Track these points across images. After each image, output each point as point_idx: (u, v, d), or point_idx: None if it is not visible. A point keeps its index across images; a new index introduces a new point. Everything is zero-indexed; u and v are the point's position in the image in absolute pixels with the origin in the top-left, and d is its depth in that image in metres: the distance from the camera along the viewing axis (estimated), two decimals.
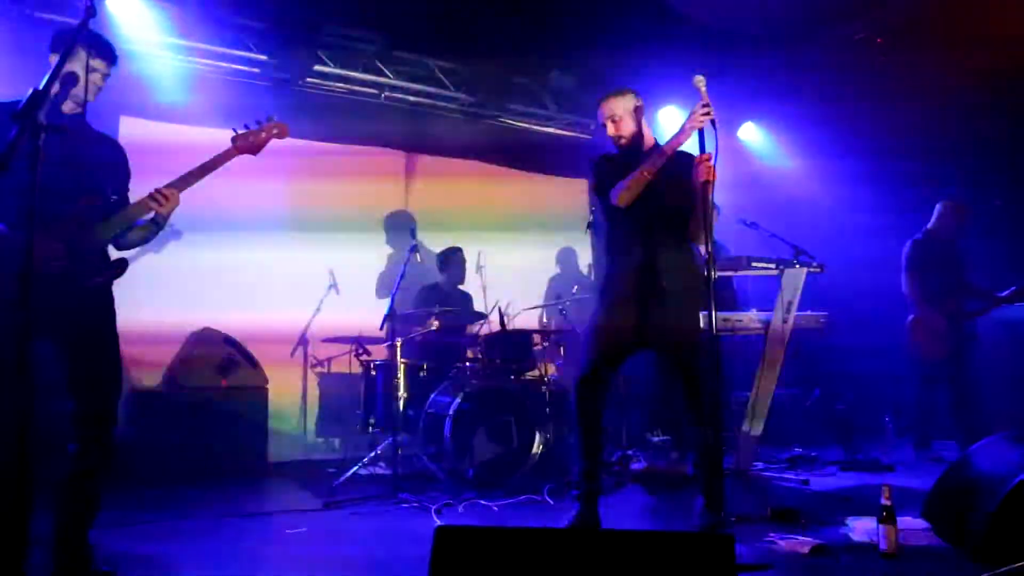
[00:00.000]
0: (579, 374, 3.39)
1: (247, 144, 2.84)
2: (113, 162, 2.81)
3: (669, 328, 3.28)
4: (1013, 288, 5.00)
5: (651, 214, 3.29)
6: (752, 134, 7.57)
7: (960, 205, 5.21)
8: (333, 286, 6.26)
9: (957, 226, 5.17)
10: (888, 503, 2.86)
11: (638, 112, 3.42)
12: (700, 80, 2.85)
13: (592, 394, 3.38)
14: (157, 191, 2.68)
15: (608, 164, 3.45)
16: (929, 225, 5.23)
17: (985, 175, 5.66)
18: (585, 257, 7.61)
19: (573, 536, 1.74)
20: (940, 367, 5.06)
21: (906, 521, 3.15)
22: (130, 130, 5.48)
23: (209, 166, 2.75)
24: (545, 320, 6.98)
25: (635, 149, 3.40)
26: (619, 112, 3.41)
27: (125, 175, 2.87)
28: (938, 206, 5.27)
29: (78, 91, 2.56)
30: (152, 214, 2.71)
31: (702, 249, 3.20)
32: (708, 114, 2.93)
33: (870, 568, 2.76)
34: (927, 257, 5.13)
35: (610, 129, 3.43)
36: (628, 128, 3.41)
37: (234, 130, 2.84)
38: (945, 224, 5.17)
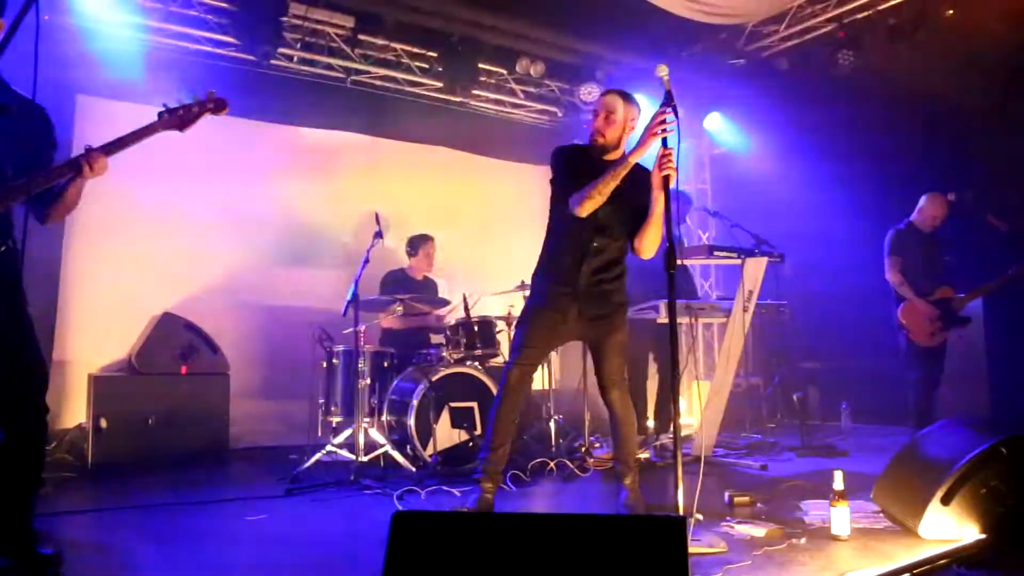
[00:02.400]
0: (514, 357, 3.38)
1: (175, 119, 2.72)
2: (20, 133, 2.54)
3: (601, 322, 3.37)
4: (1004, 274, 5.09)
5: (605, 215, 3.29)
6: (717, 123, 7.63)
7: (945, 197, 5.28)
8: (297, 271, 6.21)
9: (940, 218, 5.25)
10: (841, 487, 2.93)
11: (630, 126, 3.37)
12: (663, 69, 2.86)
13: (524, 380, 3.41)
14: (89, 151, 2.53)
15: (571, 158, 3.41)
16: (912, 216, 5.32)
17: (950, 165, 5.76)
18: None
19: (529, 520, 1.76)
20: (930, 353, 5.13)
21: (858, 504, 3.24)
22: (87, 109, 5.37)
23: (137, 136, 2.62)
24: (511, 306, 6.99)
25: (602, 155, 3.36)
26: (618, 114, 3.33)
27: (35, 148, 2.58)
28: (923, 198, 5.34)
29: None
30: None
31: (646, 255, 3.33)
32: (664, 123, 2.88)
33: (822, 549, 2.83)
34: (910, 246, 5.22)
35: (598, 121, 3.35)
36: (614, 133, 3.34)
37: (164, 105, 2.73)
38: (928, 216, 5.25)
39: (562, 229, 3.40)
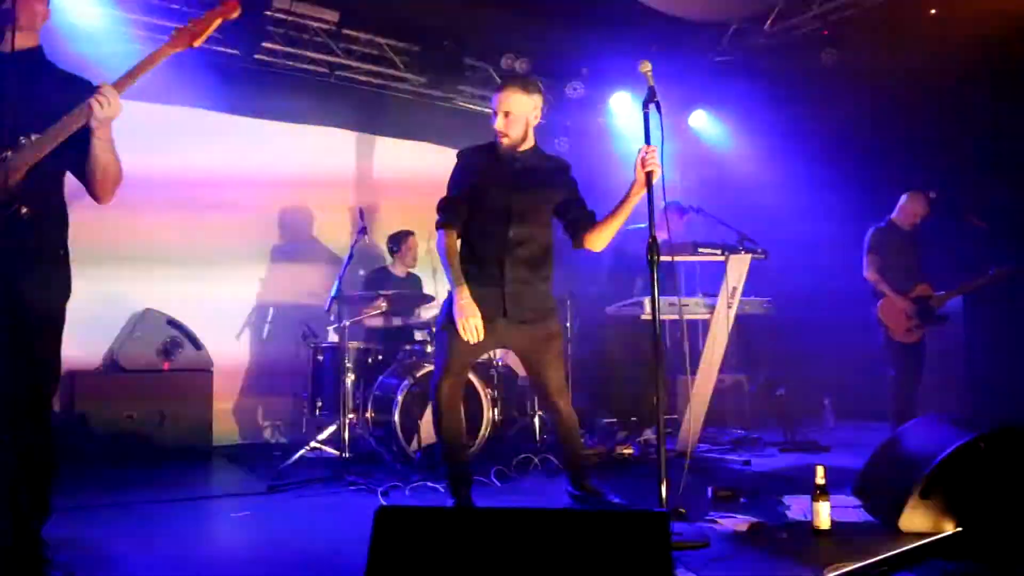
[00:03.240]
0: (440, 370, 3.22)
1: (185, 34, 2.48)
2: (58, 102, 2.36)
3: (534, 328, 3.24)
4: (986, 273, 5.14)
5: (519, 209, 3.19)
6: (702, 121, 7.66)
7: (926, 196, 5.33)
8: (281, 268, 6.18)
9: (920, 216, 5.30)
10: (822, 482, 2.95)
11: (535, 115, 3.24)
12: (646, 66, 2.86)
13: (456, 393, 3.27)
14: (99, 88, 2.33)
15: (469, 165, 3.30)
16: (892, 215, 5.36)
17: (931, 165, 5.81)
18: None
19: (512, 515, 1.76)
20: (909, 350, 5.18)
21: (839, 499, 3.27)
22: None
23: (147, 63, 2.43)
24: None
25: (509, 153, 3.24)
26: (516, 110, 3.18)
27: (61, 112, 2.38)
28: (903, 196, 5.38)
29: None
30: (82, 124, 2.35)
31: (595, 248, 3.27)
32: (646, 159, 2.86)
33: (804, 543, 2.85)
34: (889, 244, 5.26)
35: (498, 123, 3.20)
36: (517, 130, 3.20)
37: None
38: (908, 213, 5.29)
39: (476, 225, 3.24)
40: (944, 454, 2.79)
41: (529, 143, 3.29)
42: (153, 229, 5.68)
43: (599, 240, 3.24)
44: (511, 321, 3.18)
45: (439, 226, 3.24)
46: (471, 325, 3.05)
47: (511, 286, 3.16)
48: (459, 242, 3.25)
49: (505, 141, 3.21)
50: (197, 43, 2.50)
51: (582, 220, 3.27)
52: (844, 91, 6.23)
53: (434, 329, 4.80)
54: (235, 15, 2.55)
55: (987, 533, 2.76)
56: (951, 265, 5.35)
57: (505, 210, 3.17)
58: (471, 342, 3.08)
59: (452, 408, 3.26)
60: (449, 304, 3.20)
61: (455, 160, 3.38)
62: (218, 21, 2.53)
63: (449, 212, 3.23)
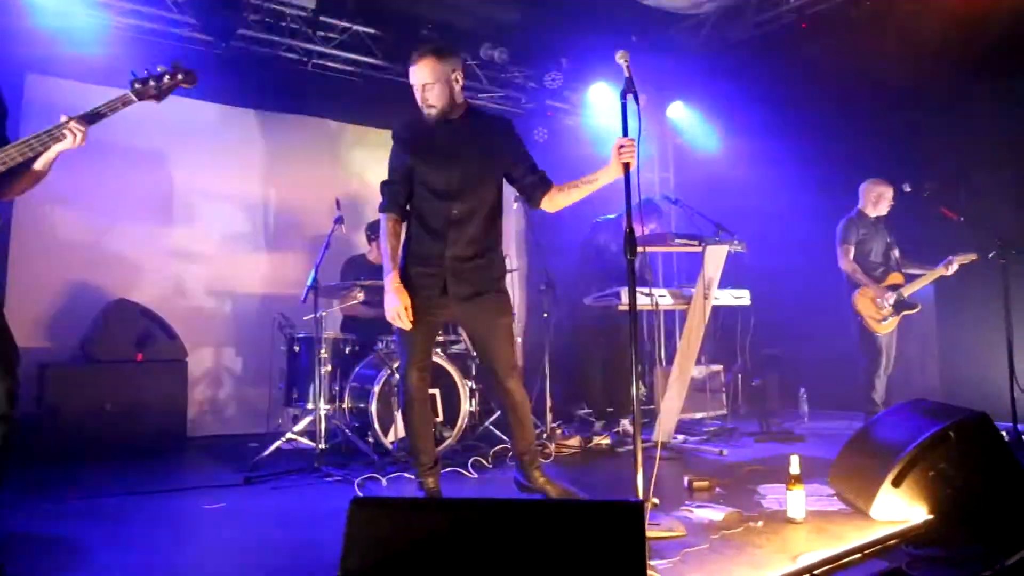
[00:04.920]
0: (405, 361, 3.16)
1: (149, 92, 2.66)
2: None
3: (478, 303, 3.16)
4: (943, 261, 5.24)
5: (458, 182, 3.13)
6: (680, 113, 7.68)
7: (885, 183, 5.41)
8: (256, 257, 6.13)
9: (886, 199, 5.38)
10: (796, 471, 2.98)
11: (455, 79, 3.12)
12: (623, 56, 2.84)
13: (424, 381, 3.22)
14: (71, 119, 2.48)
15: (403, 143, 3.21)
16: (859, 204, 5.44)
17: (912, 159, 5.87)
18: (512, 230, 7.61)
19: (486, 506, 1.76)
20: (883, 340, 5.25)
21: (813, 488, 3.31)
22: (37, 88, 5.20)
23: (114, 105, 2.59)
24: None
25: (442, 126, 3.14)
26: (434, 78, 3.06)
27: None
28: (861, 186, 5.46)
29: None
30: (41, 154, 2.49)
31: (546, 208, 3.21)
32: (623, 149, 2.80)
33: (778, 532, 2.88)
34: (861, 233, 5.34)
35: (419, 97, 3.11)
36: (441, 98, 3.08)
37: (133, 74, 2.65)
38: (872, 198, 5.38)
39: (418, 203, 3.18)
40: (915, 443, 2.83)
41: (460, 110, 3.20)
42: (125, 219, 5.60)
43: (555, 205, 3.20)
44: (453, 298, 3.12)
45: (380, 210, 3.21)
46: (394, 313, 3.02)
47: (451, 263, 3.09)
48: (406, 224, 3.21)
49: (432, 113, 3.11)
50: (159, 100, 2.72)
51: (535, 184, 3.20)
52: (823, 81, 6.26)
53: None
54: (192, 85, 2.78)
55: (956, 520, 2.80)
56: (925, 257, 5.42)
57: (445, 187, 3.11)
58: (405, 328, 3.05)
59: (422, 399, 3.23)
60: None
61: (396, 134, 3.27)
62: (179, 84, 2.75)
63: (387, 197, 3.20)
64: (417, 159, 3.15)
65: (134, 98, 2.63)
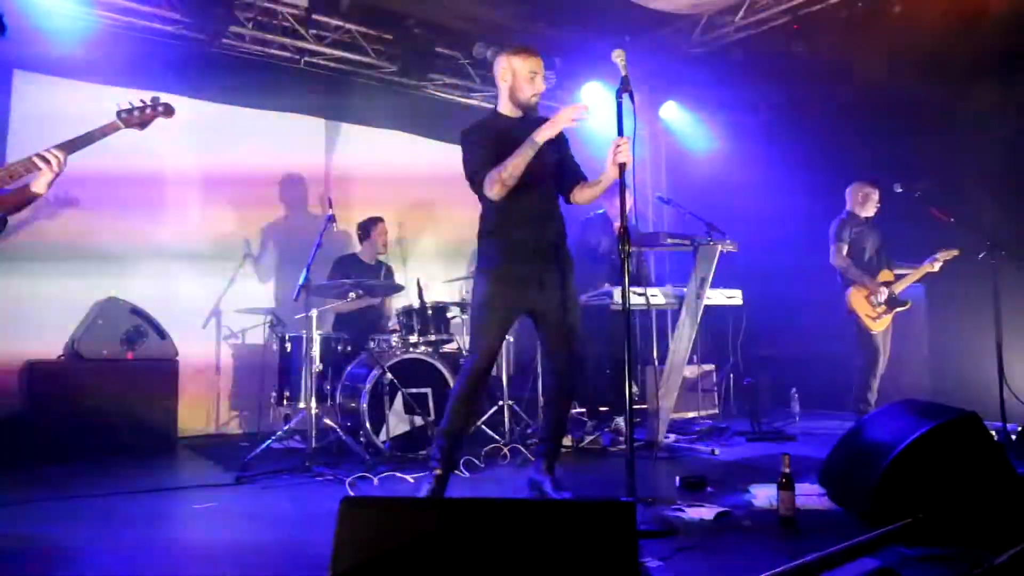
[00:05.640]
0: (477, 357, 3.22)
1: (133, 120, 2.95)
2: None
3: (556, 294, 3.28)
4: (932, 257, 5.27)
5: (540, 173, 3.22)
6: (673, 113, 7.69)
7: (871, 185, 5.44)
8: (248, 256, 6.10)
9: (873, 199, 5.42)
10: (787, 471, 2.99)
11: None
12: (619, 55, 2.85)
13: (487, 377, 3.30)
14: (46, 151, 2.63)
15: (486, 140, 3.25)
16: (848, 206, 5.47)
17: (903, 160, 5.89)
18: None
19: (478, 505, 1.75)
20: (879, 338, 5.27)
21: (804, 487, 3.31)
22: (25, 85, 5.16)
23: (95, 136, 2.79)
24: (465, 293, 6.98)
25: (520, 118, 3.30)
26: (541, 71, 3.27)
27: None
28: (848, 188, 5.50)
29: None
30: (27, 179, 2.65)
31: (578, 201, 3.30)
32: (626, 151, 2.89)
33: (769, 531, 2.88)
34: (853, 232, 5.37)
35: (539, 85, 3.26)
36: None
37: (118, 105, 2.93)
38: (859, 199, 5.42)
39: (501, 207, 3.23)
40: (906, 443, 2.84)
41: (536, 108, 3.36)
42: (116, 217, 5.56)
43: (575, 200, 3.35)
44: (546, 286, 3.27)
45: (488, 177, 3.14)
46: (570, 111, 3.00)
47: (546, 250, 3.28)
48: (484, 215, 3.32)
49: (535, 100, 3.27)
50: (142, 129, 3.02)
51: (576, 179, 3.35)
52: (814, 82, 6.28)
53: (464, 312, 4.96)
54: (171, 116, 3.12)
55: (946, 519, 2.81)
56: (915, 258, 5.45)
57: (532, 179, 3.17)
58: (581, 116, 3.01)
59: (479, 394, 3.34)
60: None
61: (464, 141, 3.32)
62: (159, 116, 3.07)
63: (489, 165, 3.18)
64: (506, 154, 3.15)
65: (121, 125, 2.90)
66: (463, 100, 7.45)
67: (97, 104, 3.21)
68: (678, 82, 7.25)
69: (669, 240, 4.70)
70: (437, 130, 7.28)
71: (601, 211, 5.54)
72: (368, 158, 6.82)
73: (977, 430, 2.96)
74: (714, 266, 4.74)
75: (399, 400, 4.58)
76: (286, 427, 4.51)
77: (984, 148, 5.69)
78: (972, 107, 5.67)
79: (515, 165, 3.04)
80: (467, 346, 3.25)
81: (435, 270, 6.07)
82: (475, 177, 3.19)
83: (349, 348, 5.03)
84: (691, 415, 5.91)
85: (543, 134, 2.99)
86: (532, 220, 3.27)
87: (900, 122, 6.03)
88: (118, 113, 2.92)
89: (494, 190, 3.09)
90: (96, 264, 5.43)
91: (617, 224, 2.96)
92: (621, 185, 2.88)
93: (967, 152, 5.75)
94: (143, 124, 2.99)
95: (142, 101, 2.98)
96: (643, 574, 2.33)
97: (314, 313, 4.57)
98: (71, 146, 2.69)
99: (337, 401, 4.77)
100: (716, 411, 6.05)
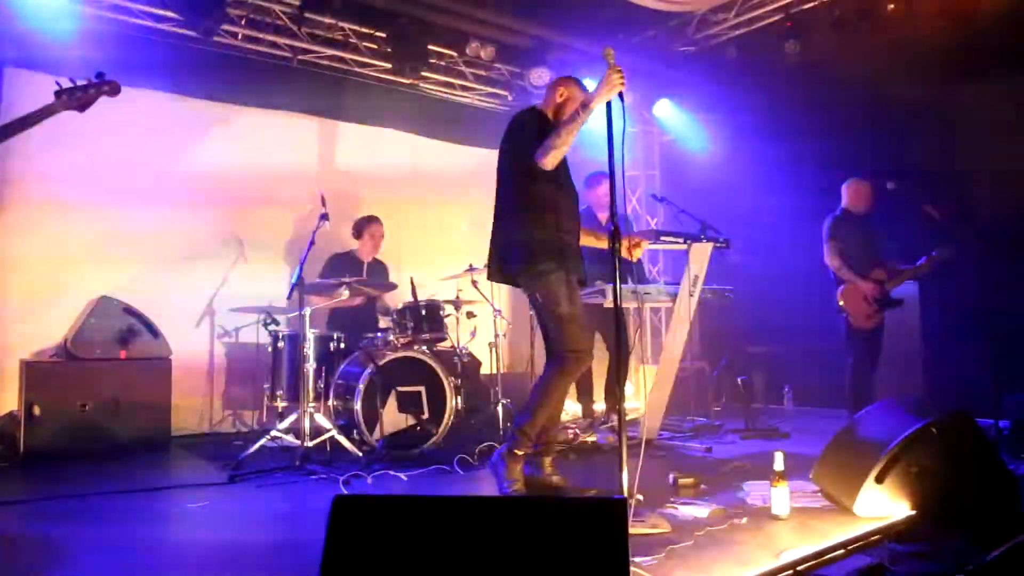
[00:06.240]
0: (579, 356, 3.32)
1: (74, 100, 2.77)
2: None
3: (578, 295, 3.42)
4: (924, 258, 5.28)
5: (568, 176, 3.44)
6: (666, 111, 7.69)
7: (865, 183, 5.44)
8: (241, 254, 6.08)
9: (867, 198, 5.42)
10: (781, 468, 3.00)
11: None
12: (609, 53, 2.85)
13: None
14: None
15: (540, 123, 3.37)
16: (843, 203, 5.47)
17: (896, 158, 5.90)
18: None
19: (469, 503, 1.75)
20: (869, 336, 5.28)
21: (797, 484, 3.32)
22: (16, 82, 5.13)
23: (31, 119, 2.64)
24: (459, 291, 6.97)
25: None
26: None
27: None
28: (844, 186, 5.50)
29: None
30: None
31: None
32: (622, 81, 2.92)
33: (762, 528, 2.89)
34: (846, 230, 5.37)
35: (571, 106, 3.36)
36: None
37: (57, 84, 2.74)
38: (854, 197, 5.42)
39: (551, 198, 3.31)
40: (898, 440, 2.85)
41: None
42: (109, 216, 5.53)
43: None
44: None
45: (539, 152, 3.17)
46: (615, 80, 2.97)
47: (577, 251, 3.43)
48: (531, 216, 3.31)
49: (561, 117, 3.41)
50: (83, 111, 2.84)
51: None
52: (807, 81, 6.29)
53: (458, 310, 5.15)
54: (116, 94, 2.91)
55: (938, 516, 2.82)
56: (908, 255, 5.46)
57: (567, 181, 3.43)
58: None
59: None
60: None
61: (533, 120, 3.36)
62: (103, 95, 2.87)
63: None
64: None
65: (59, 108, 2.73)
66: (456, 98, 7.45)
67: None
68: (671, 80, 7.24)
69: (663, 238, 4.71)
70: (430, 128, 7.28)
71: (584, 206, 5.52)
72: (361, 156, 6.81)
73: (969, 427, 2.97)
74: (707, 264, 4.75)
75: (392, 399, 4.58)
76: (280, 426, 4.49)
77: (978, 145, 5.71)
78: (966, 105, 5.69)
79: (568, 131, 3.11)
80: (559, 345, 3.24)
81: (429, 268, 6.05)
82: (529, 149, 3.21)
83: (343, 346, 5.02)
84: (684, 412, 5.92)
85: (599, 99, 2.99)
86: (574, 218, 3.44)
87: (893, 120, 6.05)
88: (56, 94, 2.77)
89: (548, 157, 3.14)
90: (89, 263, 5.41)
91: (603, 216, 2.98)
92: (611, 184, 2.87)
93: (961, 150, 5.77)
94: (83, 105, 2.81)
95: (87, 79, 2.82)
96: (635, 572, 2.33)
97: (308, 311, 4.56)
98: (5, 131, 2.58)
99: (331, 399, 4.77)
100: (709, 408, 6.06)
